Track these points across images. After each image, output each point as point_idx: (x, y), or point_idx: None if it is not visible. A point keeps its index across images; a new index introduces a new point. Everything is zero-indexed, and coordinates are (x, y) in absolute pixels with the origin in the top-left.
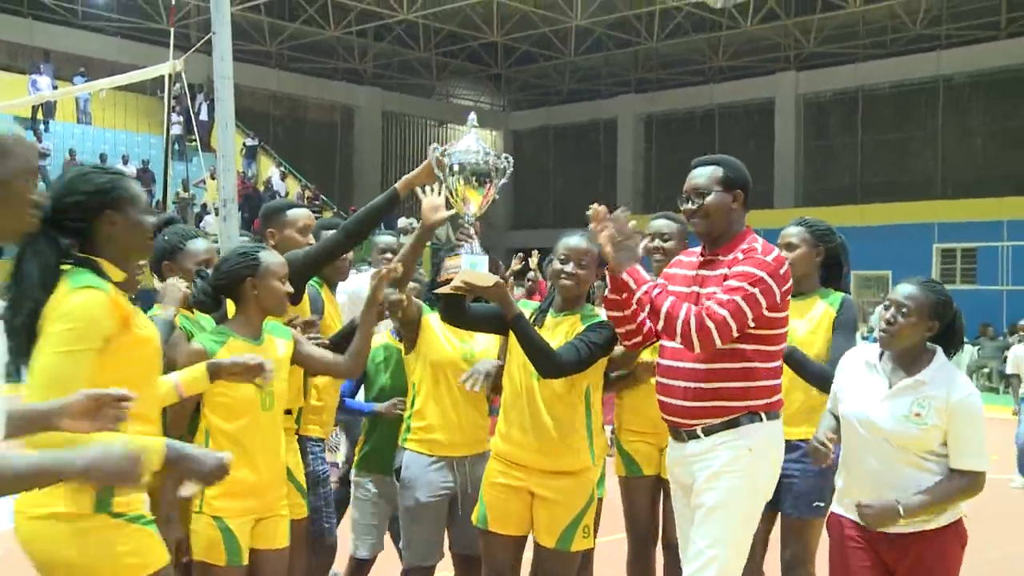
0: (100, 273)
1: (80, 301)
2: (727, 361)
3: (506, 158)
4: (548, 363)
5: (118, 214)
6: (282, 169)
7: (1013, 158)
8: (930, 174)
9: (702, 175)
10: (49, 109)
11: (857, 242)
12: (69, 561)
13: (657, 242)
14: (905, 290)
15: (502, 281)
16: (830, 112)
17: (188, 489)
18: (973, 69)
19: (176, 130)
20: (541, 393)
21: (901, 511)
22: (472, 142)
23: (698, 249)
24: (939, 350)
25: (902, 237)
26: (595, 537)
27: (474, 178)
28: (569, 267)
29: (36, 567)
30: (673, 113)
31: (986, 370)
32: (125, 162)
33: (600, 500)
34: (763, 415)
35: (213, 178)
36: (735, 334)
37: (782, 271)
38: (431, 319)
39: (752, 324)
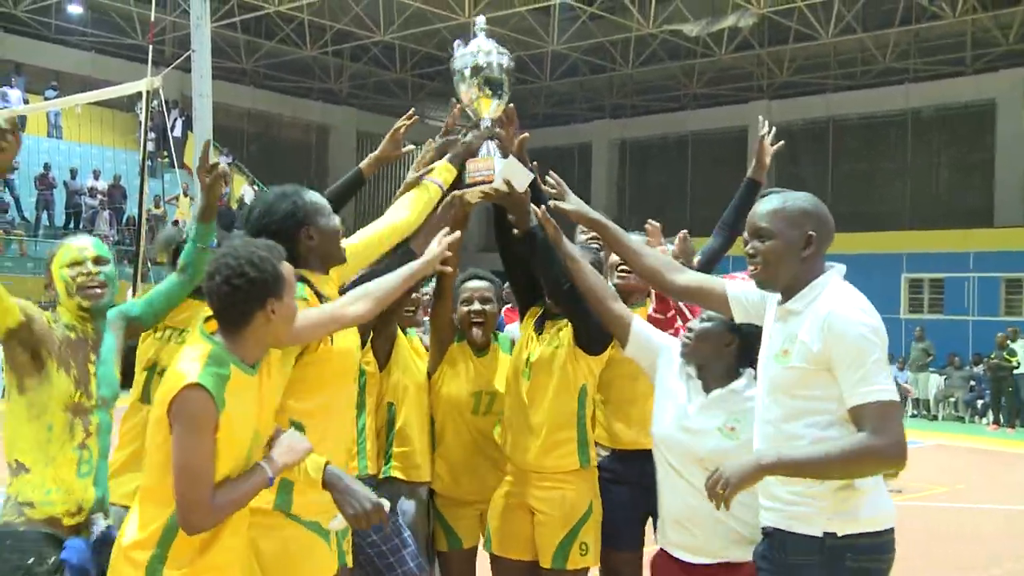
0: (310, 285)
1: None
2: None
3: (509, 56)
4: (561, 285)
5: (313, 227)
6: (256, 187)
7: (979, 191)
8: (898, 205)
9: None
10: (20, 122)
11: None
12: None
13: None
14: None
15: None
16: (801, 141)
17: (337, 523)
18: (940, 103)
19: (150, 147)
20: (531, 393)
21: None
22: (483, 42)
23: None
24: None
25: (871, 267)
26: (596, 557)
27: (487, 86)
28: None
29: None
30: (647, 139)
31: (952, 399)
32: (96, 177)
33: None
34: None
35: (186, 195)
36: None
37: None
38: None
39: None
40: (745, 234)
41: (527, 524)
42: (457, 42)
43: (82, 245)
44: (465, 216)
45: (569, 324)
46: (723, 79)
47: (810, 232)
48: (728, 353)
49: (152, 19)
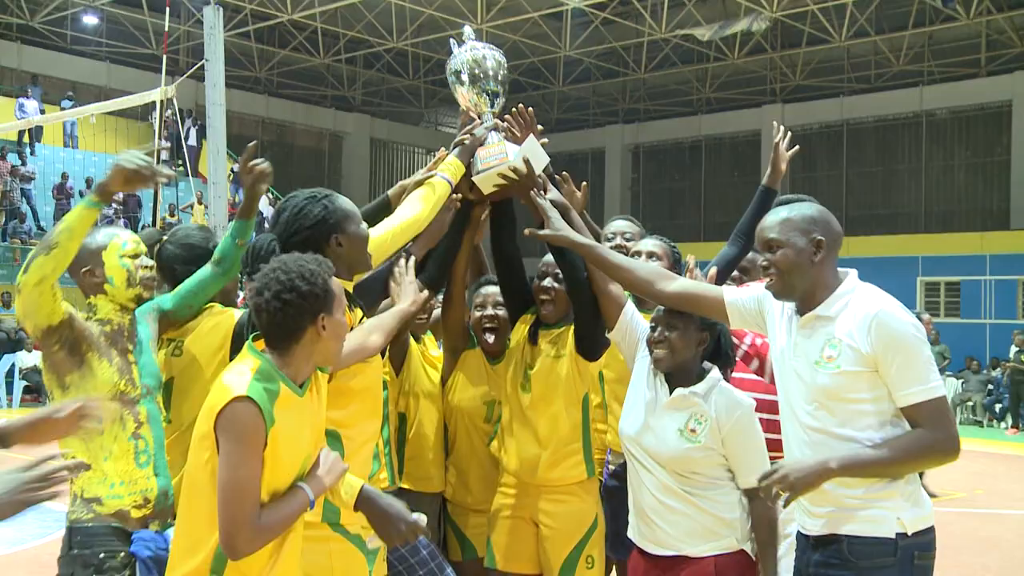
0: (348, 298)
1: None
2: None
3: (499, 52)
4: (579, 272)
5: (343, 235)
6: (270, 195)
7: (995, 193)
8: (914, 208)
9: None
10: (36, 133)
11: None
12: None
13: (619, 240)
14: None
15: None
16: (815, 145)
17: (373, 542)
18: (954, 105)
19: (164, 155)
20: (534, 405)
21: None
22: (473, 44)
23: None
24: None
25: (887, 270)
26: (601, 570)
27: (485, 94)
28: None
29: None
30: (660, 144)
31: (970, 403)
32: None
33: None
34: None
35: (201, 203)
36: None
37: None
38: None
39: None
40: (757, 249)
41: (531, 538)
42: (452, 42)
43: (136, 238)
44: (479, 216)
45: (566, 331)
46: (736, 83)
47: (819, 237)
48: (698, 352)
49: (166, 29)
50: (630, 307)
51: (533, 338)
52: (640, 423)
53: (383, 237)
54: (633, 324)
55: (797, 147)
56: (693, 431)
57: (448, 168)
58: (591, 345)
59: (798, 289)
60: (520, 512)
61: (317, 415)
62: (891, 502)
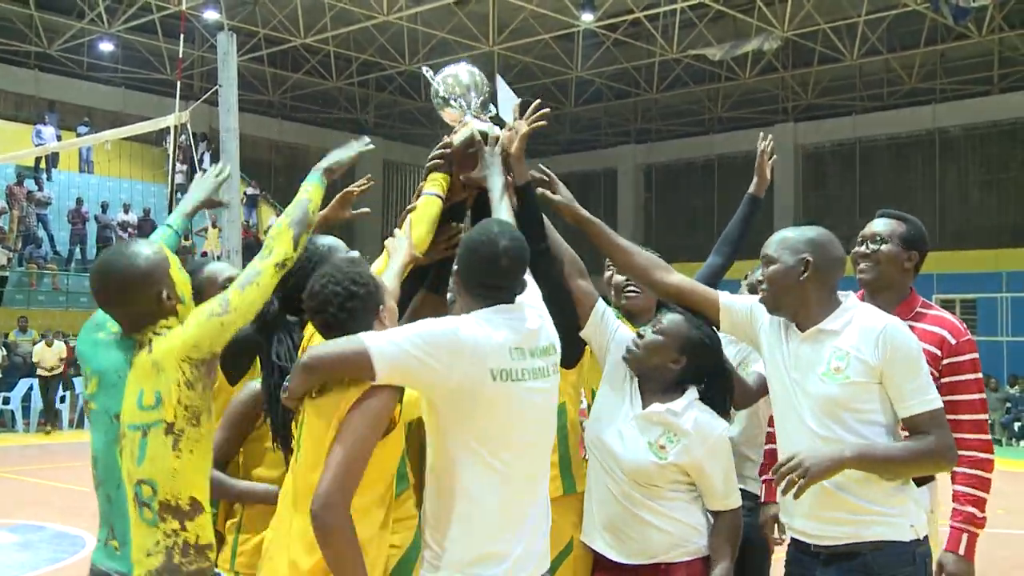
0: None
1: None
2: None
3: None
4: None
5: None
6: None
7: (1009, 210)
8: (928, 225)
9: (884, 225)
10: (52, 158)
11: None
12: None
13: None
14: (671, 316)
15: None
16: (828, 163)
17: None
18: (967, 122)
19: (179, 179)
20: None
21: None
22: (450, 68)
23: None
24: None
25: None
26: None
27: (466, 104)
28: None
29: None
30: (673, 163)
31: (989, 422)
32: (127, 211)
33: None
34: None
35: (215, 227)
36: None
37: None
38: None
39: None
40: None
41: None
42: (425, 69)
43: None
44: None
45: None
46: (748, 102)
47: (808, 258)
48: (672, 371)
49: (180, 55)
50: (601, 304)
51: None
52: (608, 428)
53: (393, 285)
54: (604, 323)
55: (775, 156)
56: (663, 447)
57: (434, 184)
58: (564, 350)
59: (784, 305)
60: None
61: None
62: (904, 508)
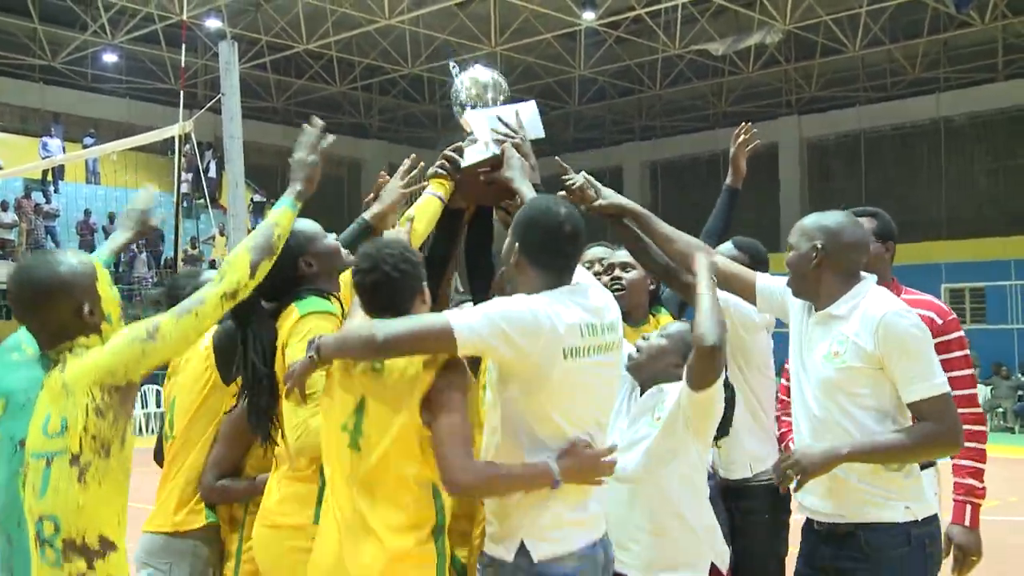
0: (338, 300)
1: None
2: None
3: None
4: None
5: (309, 254)
6: None
7: (1016, 197)
8: (935, 215)
9: None
10: (59, 170)
11: None
12: (288, 570)
13: (597, 267)
14: (676, 325)
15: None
16: (833, 155)
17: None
18: (972, 111)
19: (184, 188)
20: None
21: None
22: (471, 72)
23: None
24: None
25: (910, 278)
26: None
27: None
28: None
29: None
30: (678, 159)
31: (1000, 409)
32: None
33: None
34: None
35: (222, 234)
36: None
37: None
38: None
39: None
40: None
41: None
42: (451, 64)
43: None
44: (467, 221)
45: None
46: (751, 96)
47: (818, 244)
48: (675, 374)
49: (182, 65)
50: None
51: None
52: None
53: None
54: None
55: (758, 140)
56: (659, 419)
57: (438, 186)
58: None
59: (802, 290)
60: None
61: None
62: (900, 489)
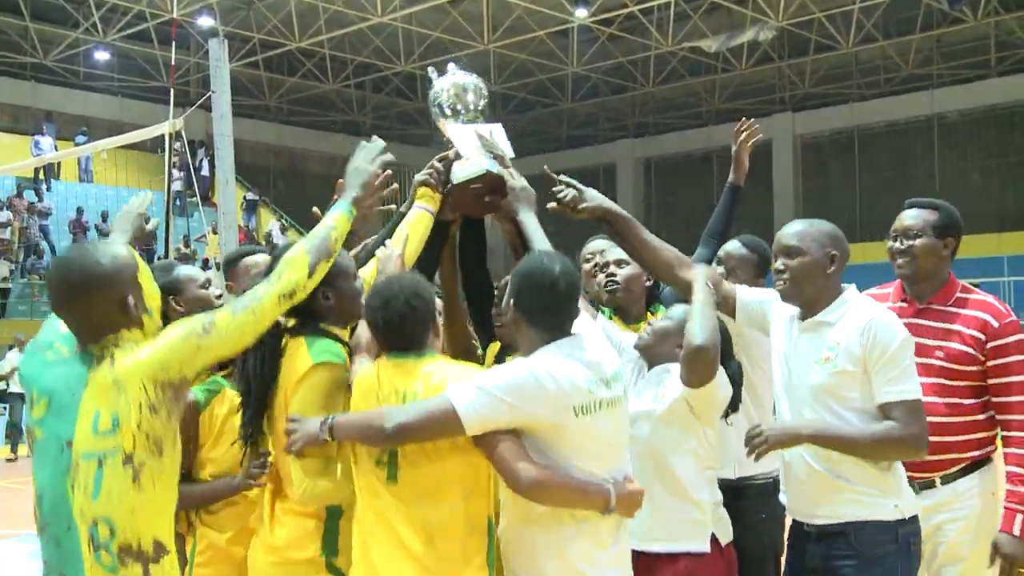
0: (343, 344)
1: None
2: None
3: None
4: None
5: (330, 288)
6: (282, 222)
7: (1009, 193)
8: None
9: (914, 217)
10: (51, 168)
11: (860, 280)
12: None
13: (598, 259)
14: (680, 306)
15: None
16: (827, 152)
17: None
18: (966, 107)
19: (177, 186)
20: None
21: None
22: (450, 77)
23: (891, 291)
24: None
25: None
26: None
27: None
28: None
29: None
30: (672, 156)
31: None
32: None
33: None
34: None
35: (215, 233)
36: None
37: None
38: None
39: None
40: (774, 253)
41: None
42: (431, 70)
43: None
44: (454, 233)
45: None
46: (745, 93)
47: (833, 252)
48: (679, 355)
49: (173, 62)
50: (600, 319)
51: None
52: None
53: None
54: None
55: (760, 135)
56: (663, 396)
57: (428, 199)
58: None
59: (806, 295)
60: None
61: None
62: (888, 488)
